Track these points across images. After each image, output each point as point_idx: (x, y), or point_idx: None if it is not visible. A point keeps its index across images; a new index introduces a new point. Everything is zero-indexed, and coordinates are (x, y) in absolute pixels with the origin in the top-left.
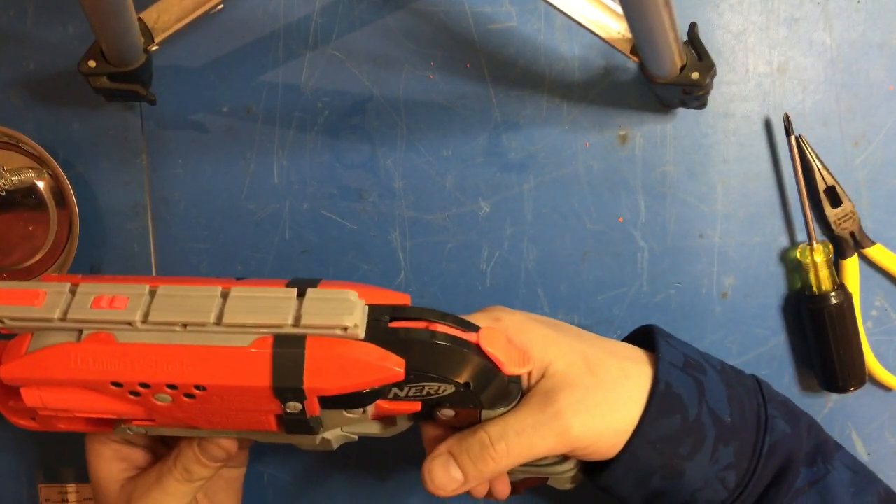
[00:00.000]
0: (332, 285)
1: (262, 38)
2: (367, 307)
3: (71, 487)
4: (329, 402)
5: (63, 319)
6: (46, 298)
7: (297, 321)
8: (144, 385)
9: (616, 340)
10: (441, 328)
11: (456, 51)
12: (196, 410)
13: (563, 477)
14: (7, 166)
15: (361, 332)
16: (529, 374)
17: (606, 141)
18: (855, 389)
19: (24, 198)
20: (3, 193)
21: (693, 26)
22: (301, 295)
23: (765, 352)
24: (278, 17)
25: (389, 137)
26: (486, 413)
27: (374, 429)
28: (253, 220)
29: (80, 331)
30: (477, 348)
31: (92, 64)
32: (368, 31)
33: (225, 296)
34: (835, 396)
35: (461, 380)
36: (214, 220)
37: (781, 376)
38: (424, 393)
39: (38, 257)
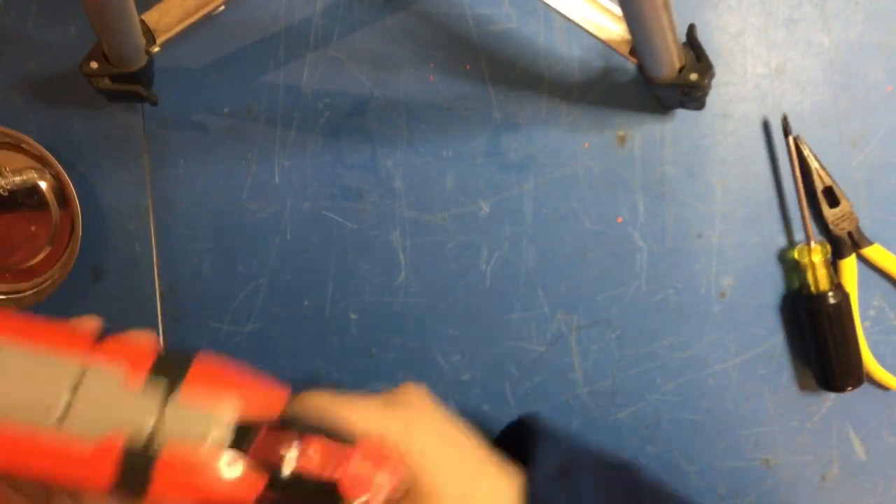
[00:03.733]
0: (203, 377)
1: (263, 39)
2: (235, 418)
3: None
4: None
5: None
6: None
7: (152, 433)
8: None
9: (493, 457)
10: (313, 445)
11: (456, 52)
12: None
13: None
14: (9, 167)
15: (223, 452)
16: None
17: (605, 141)
18: (853, 389)
19: (26, 198)
20: (6, 194)
21: (691, 28)
22: (170, 388)
23: (763, 351)
24: (279, 19)
25: (390, 138)
26: None
27: None
28: (254, 221)
29: None
30: (334, 489)
31: (94, 65)
32: (369, 32)
33: (76, 387)
34: (833, 396)
35: None
36: (216, 220)
37: (779, 376)
38: None
39: (39, 257)
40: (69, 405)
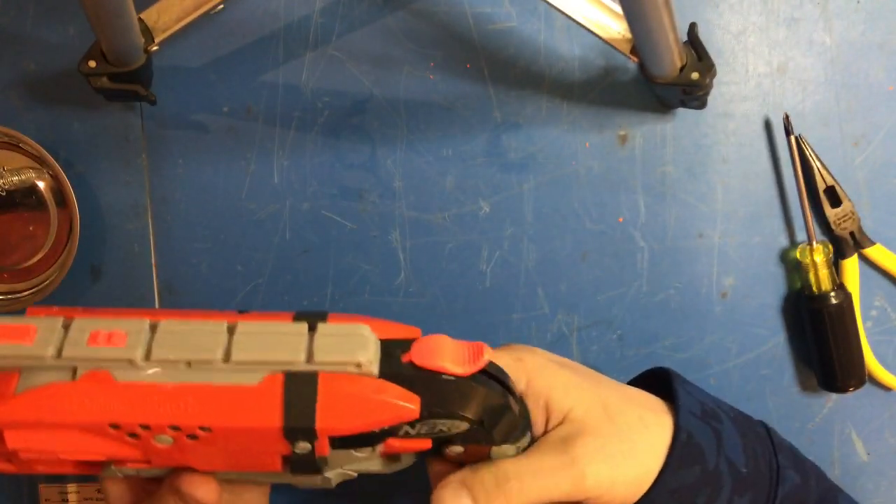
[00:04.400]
0: (342, 319)
1: (262, 38)
2: (379, 342)
3: (71, 487)
4: (339, 442)
5: (57, 357)
6: (38, 334)
7: (309, 357)
8: (145, 427)
9: (633, 387)
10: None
11: (456, 51)
12: (197, 452)
13: None
14: (7, 166)
15: (375, 369)
16: (547, 420)
17: (606, 141)
18: (854, 389)
19: (25, 198)
20: (4, 193)
21: (693, 26)
22: (312, 329)
23: (764, 352)
24: (279, 17)
25: (389, 137)
26: (495, 450)
27: (377, 466)
28: (253, 220)
29: (75, 369)
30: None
31: (92, 64)
32: (369, 32)
33: (231, 330)
34: (834, 396)
35: (475, 417)
36: (215, 220)
37: (781, 376)
38: (437, 430)
39: (38, 257)
40: (229, 344)
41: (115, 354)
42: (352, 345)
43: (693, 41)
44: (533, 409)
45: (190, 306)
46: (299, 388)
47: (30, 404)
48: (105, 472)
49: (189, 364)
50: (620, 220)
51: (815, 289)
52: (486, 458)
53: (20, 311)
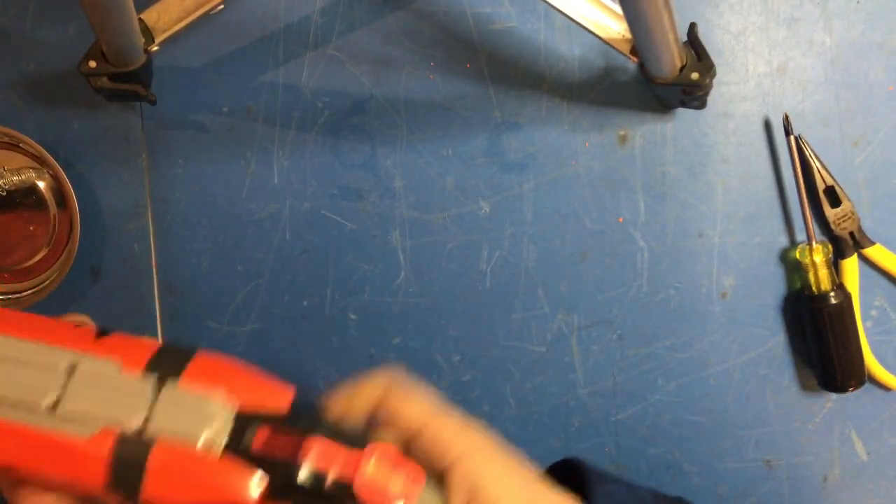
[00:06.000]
0: (204, 372)
1: (262, 38)
2: (233, 413)
3: None
4: None
5: None
6: None
7: (146, 421)
8: None
9: (557, 492)
10: (317, 445)
11: (456, 51)
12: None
13: None
14: (7, 166)
15: (218, 448)
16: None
17: (606, 141)
18: (854, 389)
19: (25, 198)
20: (4, 193)
21: (693, 27)
22: (162, 380)
23: (764, 352)
24: (278, 18)
25: (389, 137)
26: None
27: None
28: (253, 220)
29: None
30: (347, 490)
31: (92, 64)
32: (368, 32)
33: (72, 370)
34: (834, 396)
35: None
36: (214, 220)
37: (781, 376)
38: None
39: (38, 257)
40: (64, 389)
41: None
42: (196, 416)
43: (693, 41)
44: (456, 490)
45: (190, 306)
46: (130, 453)
47: None
48: None
49: (15, 404)
50: (620, 220)
51: (814, 289)
52: None
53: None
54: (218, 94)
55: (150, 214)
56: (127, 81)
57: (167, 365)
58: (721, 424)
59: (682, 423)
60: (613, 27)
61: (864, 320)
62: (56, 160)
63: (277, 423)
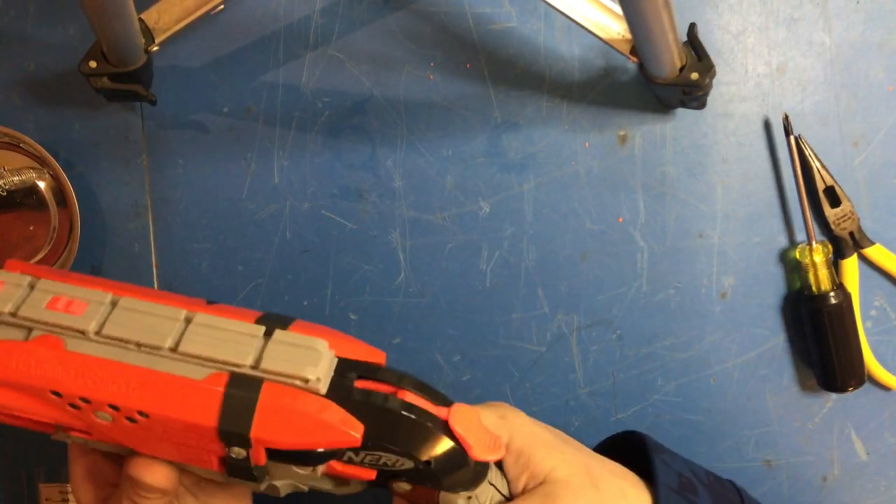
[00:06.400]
0: (305, 329)
1: (262, 38)
2: (335, 360)
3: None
4: (277, 455)
5: (13, 315)
6: (2, 289)
7: (256, 363)
8: (85, 400)
9: (610, 460)
10: (410, 397)
11: (456, 51)
12: (136, 435)
13: None
14: (8, 166)
15: (323, 388)
16: (526, 478)
17: (606, 141)
18: (854, 389)
19: (25, 198)
20: (4, 193)
21: (692, 27)
22: (268, 334)
23: (764, 352)
24: (279, 18)
25: (389, 137)
26: (444, 496)
27: (325, 485)
28: (253, 220)
29: (30, 330)
30: (445, 425)
31: (93, 64)
32: (369, 32)
33: (189, 320)
34: (834, 396)
35: (422, 457)
36: (215, 220)
37: (781, 376)
38: (381, 462)
39: (38, 257)
40: (182, 334)
41: (69, 322)
42: (303, 358)
43: (693, 41)
44: (512, 466)
45: None
46: (241, 393)
47: None
48: (56, 434)
49: (139, 346)
50: (620, 220)
51: (814, 289)
52: (434, 502)
53: None
54: (218, 94)
55: (150, 214)
56: (127, 81)
57: (274, 321)
58: (721, 424)
59: (682, 423)
60: (613, 27)
61: (863, 320)
62: (56, 160)
63: (373, 374)
